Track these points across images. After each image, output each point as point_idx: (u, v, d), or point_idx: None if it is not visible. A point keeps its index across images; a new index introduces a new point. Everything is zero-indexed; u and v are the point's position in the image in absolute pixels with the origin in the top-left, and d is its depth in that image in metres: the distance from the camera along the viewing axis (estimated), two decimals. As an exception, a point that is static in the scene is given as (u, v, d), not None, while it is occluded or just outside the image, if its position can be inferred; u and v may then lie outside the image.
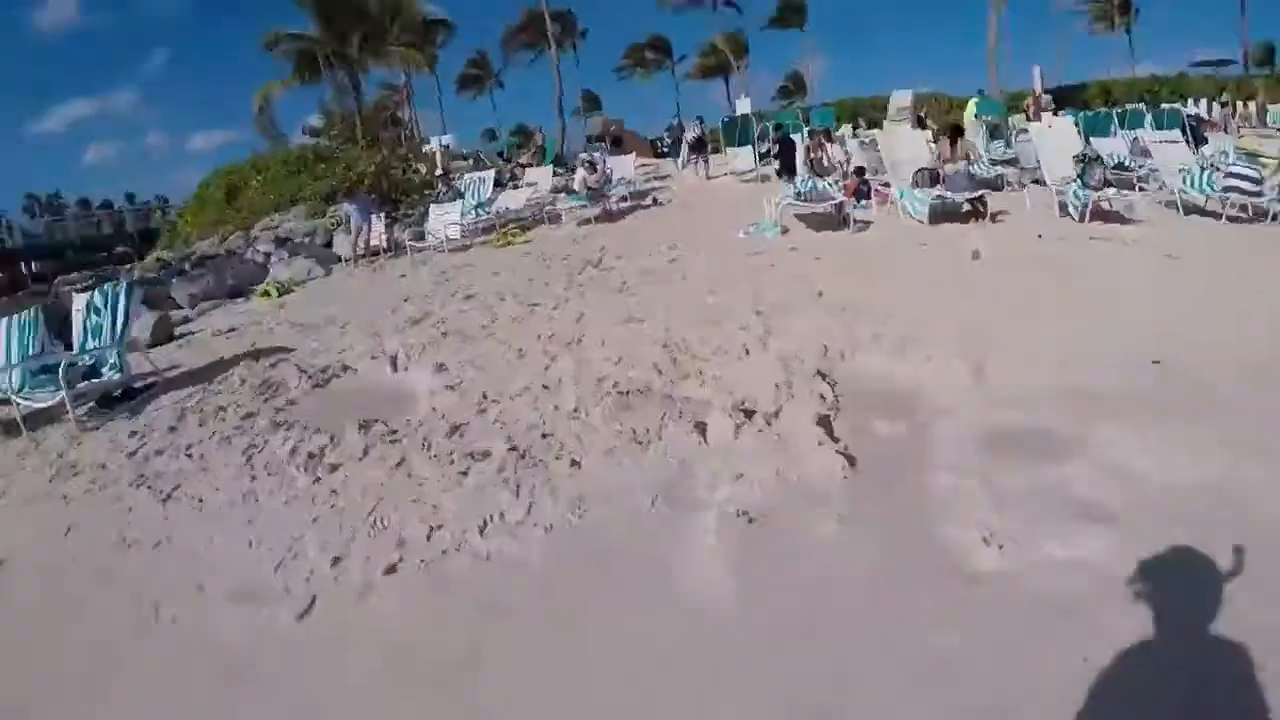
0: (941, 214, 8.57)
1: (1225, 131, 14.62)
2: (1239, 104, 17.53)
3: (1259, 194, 8.19)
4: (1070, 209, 8.39)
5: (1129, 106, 17.42)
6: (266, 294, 9.08)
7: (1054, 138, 10.00)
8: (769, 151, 14.28)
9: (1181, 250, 6.88)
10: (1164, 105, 16.62)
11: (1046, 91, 27.47)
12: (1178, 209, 8.97)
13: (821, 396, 4.07)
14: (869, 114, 25.42)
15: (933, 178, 9.03)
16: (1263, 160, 10.75)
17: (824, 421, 3.76)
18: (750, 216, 9.34)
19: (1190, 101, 18.07)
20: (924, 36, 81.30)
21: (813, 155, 12.89)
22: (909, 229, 8.59)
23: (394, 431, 4.11)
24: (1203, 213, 8.94)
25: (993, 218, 8.53)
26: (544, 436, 3.88)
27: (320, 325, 6.92)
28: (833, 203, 8.70)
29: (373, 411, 4.40)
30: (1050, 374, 4.13)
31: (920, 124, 19.42)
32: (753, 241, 8.42)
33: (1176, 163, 9.33)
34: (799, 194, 8.84)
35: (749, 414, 3.90)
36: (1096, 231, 7.80)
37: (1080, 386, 3.95)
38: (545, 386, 4.54)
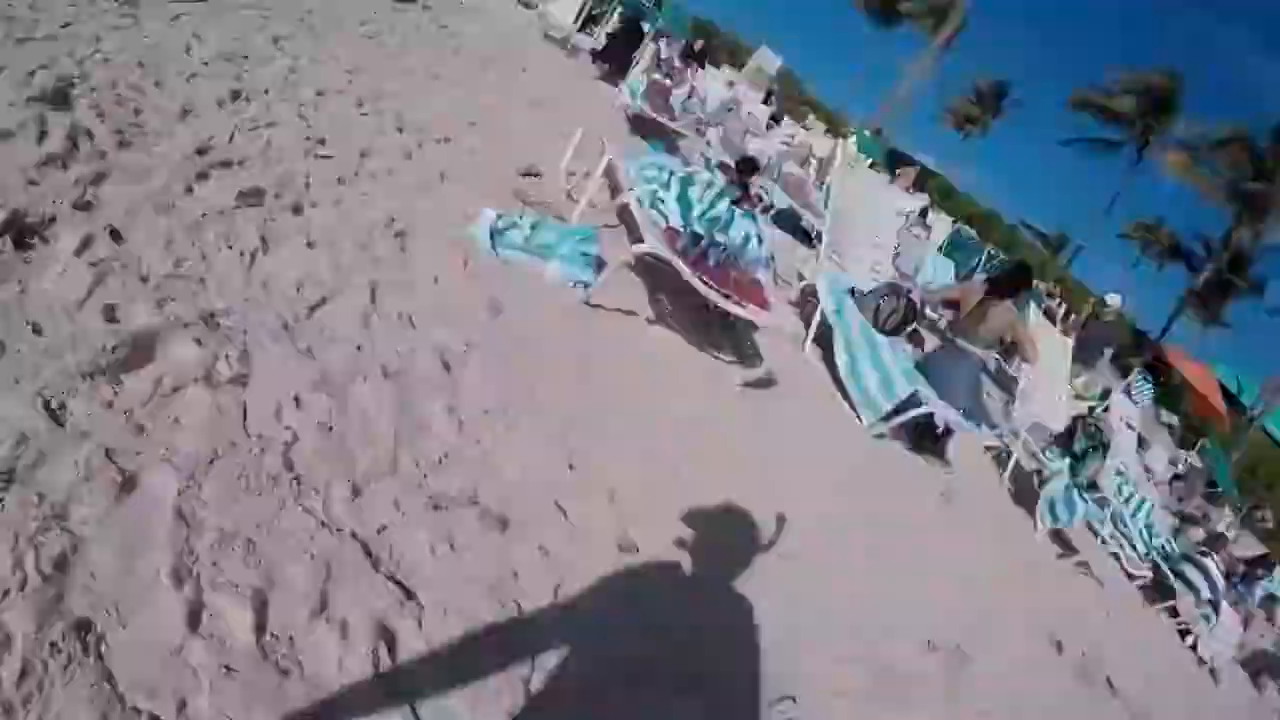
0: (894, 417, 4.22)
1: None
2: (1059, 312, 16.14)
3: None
4: (1047, 515, 4.73)
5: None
6: None
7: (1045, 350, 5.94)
8: (592, 18, 11.75)
9: None
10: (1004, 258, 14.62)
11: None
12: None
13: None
14: (716, 53, 20.53)
15: (905, 314, 4.59)
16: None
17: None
18: (537, 144, 4.05)
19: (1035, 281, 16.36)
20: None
21: (661, 75, 8.72)
22: (840, 416, 4.10)
23: None
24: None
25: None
26: None
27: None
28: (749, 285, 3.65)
29: None
30: None
31: (767, 99, 15.30)
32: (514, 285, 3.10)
33: (1119, 462, 6.19)
34: (697, 238, 3.47)
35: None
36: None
37: None
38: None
